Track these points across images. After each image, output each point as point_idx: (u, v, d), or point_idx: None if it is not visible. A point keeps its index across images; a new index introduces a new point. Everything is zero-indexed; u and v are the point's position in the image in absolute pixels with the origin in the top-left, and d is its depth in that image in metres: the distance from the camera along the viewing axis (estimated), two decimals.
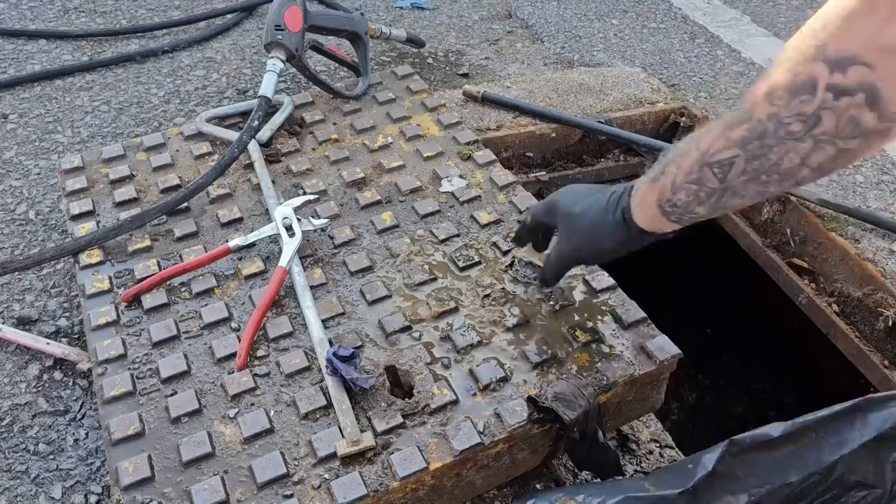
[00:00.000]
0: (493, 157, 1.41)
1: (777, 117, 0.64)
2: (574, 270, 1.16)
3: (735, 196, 0.72)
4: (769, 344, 1.92)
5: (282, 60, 1.45)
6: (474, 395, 0.99)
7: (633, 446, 1.21)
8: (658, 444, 1.23)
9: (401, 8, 2.25)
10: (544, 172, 1.66)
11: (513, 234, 1.21)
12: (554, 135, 1.66)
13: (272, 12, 1.44)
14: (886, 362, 1.29)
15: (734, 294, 1.91)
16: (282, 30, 1.44)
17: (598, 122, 1.67)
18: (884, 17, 0.56)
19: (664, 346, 1.04)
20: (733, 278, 1.83)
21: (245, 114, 1.53)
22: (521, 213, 1.28)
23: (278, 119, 1.49)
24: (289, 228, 1.20)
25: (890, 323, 1.28)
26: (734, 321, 1.98)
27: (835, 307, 1.39)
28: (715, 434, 0.96)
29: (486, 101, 1.70)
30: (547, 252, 1.08)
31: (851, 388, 1.32)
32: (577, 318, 1.09)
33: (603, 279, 1.15)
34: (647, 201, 0.80)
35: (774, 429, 0.88)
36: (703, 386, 2.09)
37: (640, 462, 1.19)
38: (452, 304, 1.11)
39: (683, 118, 1.73)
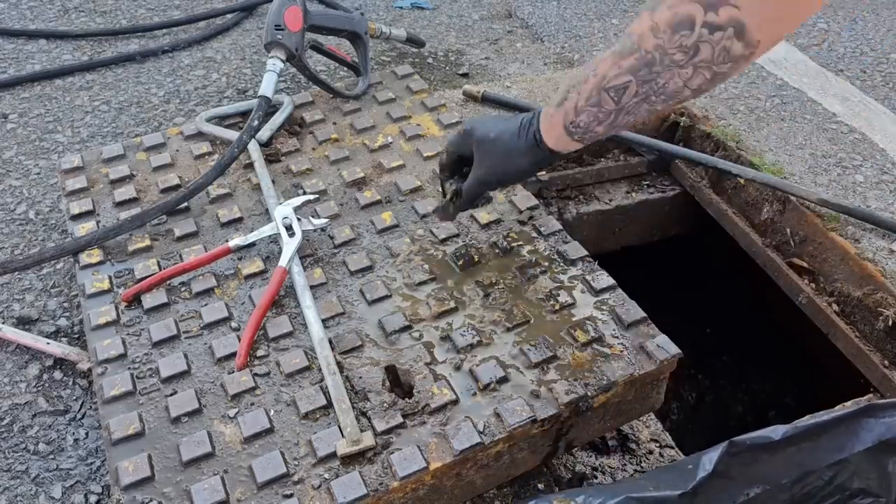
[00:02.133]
0: None
1: (662, 49, 0.76)
2: (573, 271, 1.17)
3: (629, 115, 0.85)
4: (769, 344, 1.92)
5: (282, 60, 1.45)
6: (474, 394, 0.99)
7: (633, 446, 1.21)
8: (658, 444, 1.23)
9: (401, 8, 2.25)
10: (544, 172, 1.65)
11: (512, 235, 1.21)
12: None
13: (272, 12, 1.44)
14: (886, 362, 1.29)
15: (734, 294, 1.91)
16: (282, 29, 1.44)
17: None
18: None
19: (664, 346, 1.04)
20: (733, 278, 1.83)
21: (245, 114, 1.53)
22: (521, 212, 1.28)
23: (278, 119, 1.49)
24: (289, 228, 1.20)
25: (890, 323, 1.28)
26: (734, 321, 1.98)
27: (835, 307, 1.39)
28: (715, 434, 0.96)
29: (486, 100, 1.70)
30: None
31: (851, 387, 1.32)
32: (576, 317, 1.09)
33: (603, 279, 1.15)
34: (554, 124, 0.92)
35: (775, 431, 0.88)
36: (703, 386, 2.09)
37: (640, 462, 1.19)
38: (452, 304, 1.11)
39: (683, 118, 1.73)
